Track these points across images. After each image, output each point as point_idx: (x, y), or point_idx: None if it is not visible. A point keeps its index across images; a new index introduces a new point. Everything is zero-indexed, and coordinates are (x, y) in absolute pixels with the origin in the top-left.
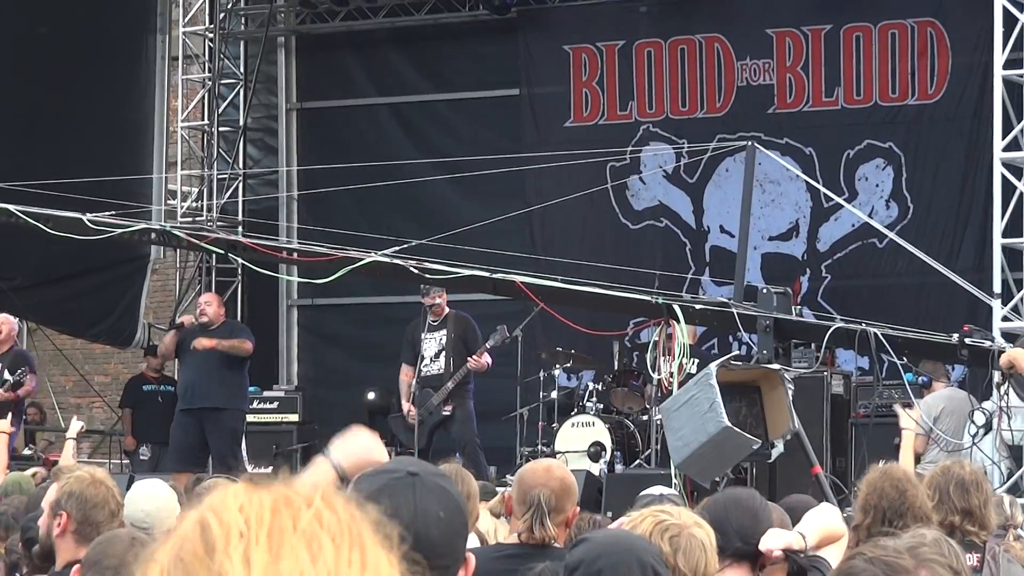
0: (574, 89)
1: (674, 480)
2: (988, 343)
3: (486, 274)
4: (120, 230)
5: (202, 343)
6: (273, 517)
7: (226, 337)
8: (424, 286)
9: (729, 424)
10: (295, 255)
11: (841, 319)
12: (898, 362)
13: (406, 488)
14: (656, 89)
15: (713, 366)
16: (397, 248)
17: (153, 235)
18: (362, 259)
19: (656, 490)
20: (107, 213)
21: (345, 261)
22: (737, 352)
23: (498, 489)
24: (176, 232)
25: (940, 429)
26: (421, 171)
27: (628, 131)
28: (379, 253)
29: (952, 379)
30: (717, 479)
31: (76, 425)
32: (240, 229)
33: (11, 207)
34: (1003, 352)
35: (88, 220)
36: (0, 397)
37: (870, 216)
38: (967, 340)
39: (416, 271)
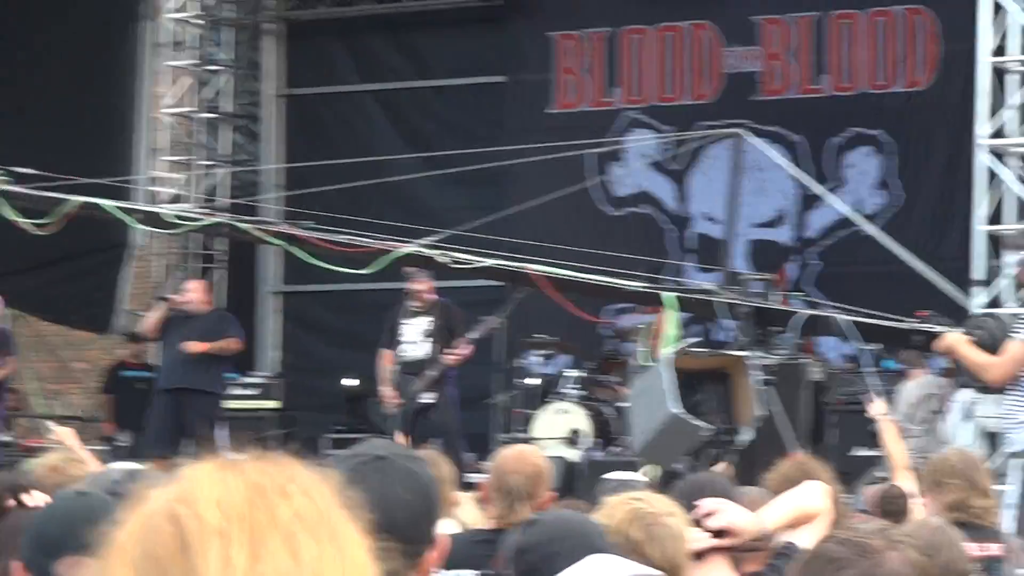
0: (558, 76)
1: (646, 467)
2: (941, 328)
3: (505, 264)
4: (194, 223)
5: (191, 347)
6: (250, 511)
7: (212, 326)
8: (408, 272)
9: (676, 411)
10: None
11: (834, 306)
12: (864, 349)
13: (373, 472)
14: (641, 76)
15: (669, 353)
16: (436, 238)
17: (225, 228)
18: (398, 250)
19: (620, 475)
20: (185, 207)
21: (383, 252)
22: (696, 339)
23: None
24: (242, 226)
25: (918, 417)
26: (405, 159)
27: (611, 118)
28: (417, 243)
29: (934, 367)
30: (691, 463)
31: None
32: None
33: (99, 200)
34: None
35: (163, 215)
36: None
37: (860, 203)
38: (920, 326)
39: (445, 261)
